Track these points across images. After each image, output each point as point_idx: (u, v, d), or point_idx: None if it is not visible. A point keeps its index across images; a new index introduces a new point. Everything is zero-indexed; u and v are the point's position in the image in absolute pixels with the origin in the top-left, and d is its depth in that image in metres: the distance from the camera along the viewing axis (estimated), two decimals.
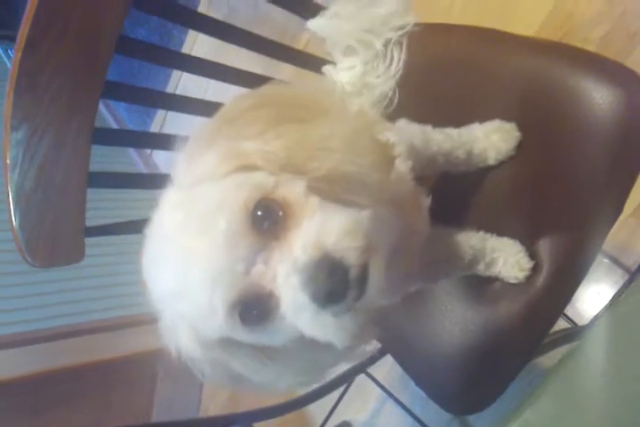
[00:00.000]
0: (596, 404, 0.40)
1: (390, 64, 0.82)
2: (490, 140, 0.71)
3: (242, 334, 0.41)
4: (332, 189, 0.41)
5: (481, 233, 0.73)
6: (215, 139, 0.44)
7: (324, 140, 0.43)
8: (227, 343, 0.42)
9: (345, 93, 0.85)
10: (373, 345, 0.52)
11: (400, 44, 0.82)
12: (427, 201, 0.60)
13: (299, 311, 0.37)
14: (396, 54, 0.82)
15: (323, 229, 0.37)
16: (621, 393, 0.39)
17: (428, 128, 0.71)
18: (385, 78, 0.82)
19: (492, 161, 0.73)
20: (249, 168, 0.41)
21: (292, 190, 0.39)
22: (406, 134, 0.68)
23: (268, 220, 0.38)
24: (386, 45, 0.82)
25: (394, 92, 0.84)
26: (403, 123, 0.72)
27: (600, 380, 0.40)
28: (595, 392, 0.40)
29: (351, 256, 0.36)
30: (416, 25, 0.83)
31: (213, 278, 0.38)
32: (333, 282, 0.36)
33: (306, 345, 0.42)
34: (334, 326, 0.38)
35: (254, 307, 0.39)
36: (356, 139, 0.45)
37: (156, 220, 0.42)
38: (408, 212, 0.55)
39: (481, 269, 0.72)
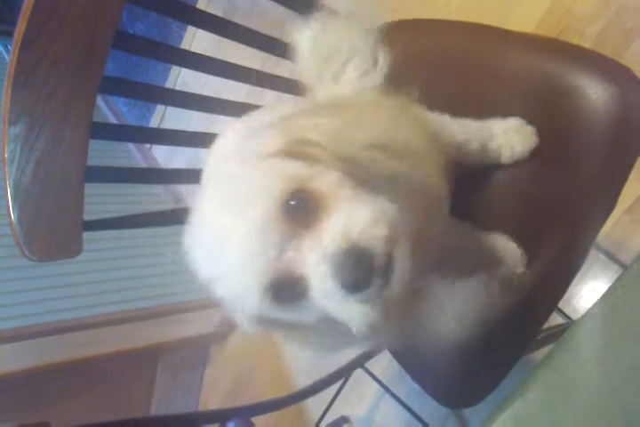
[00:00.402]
0: (582, 394, 0.40)
1: (376, 62, 0.82)
2: (507, 139, 0.71)
3: (277, 313, 0.44)
4: (381, 157, 0.44)
5: (477, 231, 0.73)
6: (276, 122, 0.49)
7: (365, 119, 0.48)
8: (266, 320, 0.46)
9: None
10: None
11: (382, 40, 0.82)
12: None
13: (328, 296, 0.40)
14: (381, 51, 0.82)
15: (350, 219, 0.40)
16: (607, 383, 0.39)
17: (445, 117, 0.71)
18: (375, 75, 0.82)
19: (505, 160, 0.72)
20: (294, 155, 0.44)
21: (326, 181, 0.42)
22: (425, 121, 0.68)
23: (300, 209, 0.41)
24: (371, 44, 0.82)
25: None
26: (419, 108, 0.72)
27: (587, 371, 0.40)
28: (582, 383, 0.41)
29: (377, 246, 0.39)
30: (411, 21, 0.83)
31: (249, 262, 0.41)
32: (360, 270, 0.38)
33: (330, 323, 0.45)
34: (358, 311, 0.40)
35: (286, 288, 0.42)
36: (397, 116, 0.50)
37: (202, 192, 0.46)
38: (431, 205, 0.57)
39: (479, 266, 0.73)
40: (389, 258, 0.39)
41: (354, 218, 0.40)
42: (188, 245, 0.45)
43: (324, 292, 0.40)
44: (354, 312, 0.41)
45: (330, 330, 0.47)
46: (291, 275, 0.41)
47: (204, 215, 0.44)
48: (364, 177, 0.44)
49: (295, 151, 0.44)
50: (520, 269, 0.72)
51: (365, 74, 0.81)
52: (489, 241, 0.73)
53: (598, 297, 0.44)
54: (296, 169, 0.42)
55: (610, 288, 0.43)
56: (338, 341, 0.51)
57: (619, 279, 0.44)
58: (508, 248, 0.72)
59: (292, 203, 0.41)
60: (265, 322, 0.46)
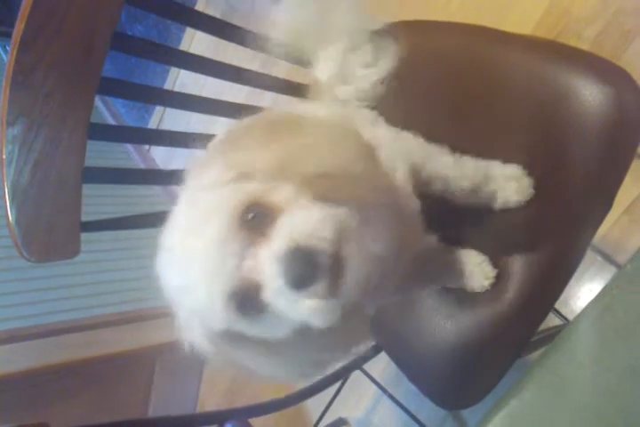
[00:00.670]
0: (577, 394, 0.41)
1: (379, 56, 0.82)
2: (504, 186, 0.70)
3: (244, 326, 0.45)
4: (323, 187, 0.45)
5: (443, 245, 0.74)
6: (219, 155, 0.51)
7: (310, 145, 0.48)
8: (233, 337, 0.46)
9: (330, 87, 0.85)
10: (367, 344, 0.56)
11: (390, 36, 0.82)
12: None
13: (277, 296, 0.42)
14: (385, 46, 0.82)
15: (297, 222, 0.42)
16: (601, 383, 0.40)
17: (441, 150, 0.70)
18: (373, 70, 0.83)
19: (497, 205, 0.72)
20: (246, 177, 0.45)
21: (281, 194, 0.44)
22: (410, 149, 0.67)
23: (257, 220, 0.43)
24: (374, 37, 0.82)
25: (382, 83, 0.83)
26: (412, 140, 0.71)
27: (582, 371, 0.41)
28: (576, 383, 0.41)
29: (321, 244, 0.40)
30: (411, 22, 0.83)
31: (210, 273, 0.42)
32: (303, 266, 0.40)
33: (306, 340, 0.46)
34: (312, 308, 0.41)
35: (249, 298, 0.43)
36: (340, 140, 0.51)
37: (167, 225, 0.47)
38: (407, 222, 0.59)
39: (451, 281, 0.75)
40: (337, 257, 0.41)
41: (301, 220, 0.42)
42: (158, 268, 0.47)
43: (274, 291, 0.41)
44: (306, 310, 0.41)
45: (304, 344, 0.48)
46: (251, 282, 0.42)
47: (169, 239, 0.46)
48: (321, 184, 0.45)
49: (248, 174, 0.46)
50: (485, 282, 0.73)
51: (367, 67, 0.81)
52: (458, 255, 0.74)
53: (593, 297, 0.44)
54: (251, 185, 0.44)
55: (604, 289, 0.43)
56: (313, 358, 0.52)
57: (613, 280, 0.44)
58: (475, 262, 0.73)
59: (250, 215, 0.43)
60: (232, 339, 0.46)
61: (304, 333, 0.44)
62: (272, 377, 0.53)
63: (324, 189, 0.45)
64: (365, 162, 0.50)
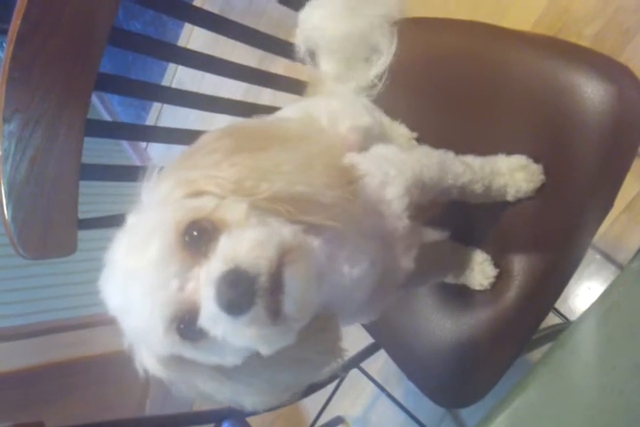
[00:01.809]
0: (582, 393, 0.40)
1: (379, 52, 0.82)
2: (513, 177, 0.69)
3: (189, 352, 0.42)
4: (286, 210, 0.42)
5: (451, 242, 0.74)
6: (175, 169, 0.46)
7: (276, 164, 0.44)
8: (181, 361, 0.43)
9: (329, 79, 0.84)
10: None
11: (391, 31, 0.82)
12: (423, 238, 0.62)
13: (213, 321, 0.39)
14: (385, 41, 0.81)
15: (236, 243, 0.39)
16: (607, 382, 0.39)
17: (449, 157, 0.67)
18: (374, 64, 0.82)
19: (509, 197, 0.71)
20: (198, 194, 0.43)
21: (232, 212, 0.41)
22: (414, 165, 0.62)
23: (202, 239, 0.40)
24: (375, 32, 0.82)
25: (381, 79, 0.83)
26: (423, 149, 0.68)
27: (587, 369, 0.40)
28: (582, 381, 0.41)
29: (259, 267, 0.38)
30: (408, 19, 0.83)
31: (150, 295, 0.40)
32: (237, 291, 0.37)
33: (263, 364, 0.43)
34: (253, 334, 0.39)
35: (191, 323, 0.40)
36: (309, 162, 0.46)
37: (114, 242, 0.44)
38: (392, 246, 0.57)
39: (450, 277, 0.75)
40: (277, 281, 0.38)
41: (241, 241, 0.39)
42: (100, 285, 0.45)
43: (208, 316, 0.38)
44: (248, 336, 0.39)
45: (264, 369, 0.45)
46: (194, 306, 0.39)
47: (114, 256, 0.43)
48: (283, 207, 0.43)
49: (201, 191, 0.43)
50: (485, 281, 0.72)
51: (367, 61, 0.80)
52: (461, 252, 0.74)
53: (598, 295, 0.43)
54: (200, 201, 0.42)
55: (610, 286, 0.42)
56: (276, 383, 0.48)
57: (620, 277, 0.43)
58: (477, 260, 0.73)
59: (194, 233, 0.40)
60: (182, 363, 0.43)
61: (264, 358, 0.42)
62: (234, 403, 0.48)
63: (285, 211, 0.42)
64: (337, 189, 0.46)
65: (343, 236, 0.49)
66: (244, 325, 0.38)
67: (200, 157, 0.46)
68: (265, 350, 0.41)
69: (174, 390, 0.46)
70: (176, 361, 0.43)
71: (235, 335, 0.39)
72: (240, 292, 0.37)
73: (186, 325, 0.40)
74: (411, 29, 0.82)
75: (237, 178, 0.43)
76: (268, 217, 0.41)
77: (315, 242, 0.44)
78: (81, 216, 0.74)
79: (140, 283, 0.40)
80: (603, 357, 0.40)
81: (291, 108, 0.76)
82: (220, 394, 0.47)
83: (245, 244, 0.38)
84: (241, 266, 0.37)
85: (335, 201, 0.45)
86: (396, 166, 0.58)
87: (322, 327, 0.47)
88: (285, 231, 0.40)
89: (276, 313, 0.38)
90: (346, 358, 0.50)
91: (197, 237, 0.40)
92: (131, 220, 0.45)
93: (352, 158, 0.55)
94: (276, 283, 0.38)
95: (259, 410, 0.50)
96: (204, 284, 0.38)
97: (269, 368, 0.45)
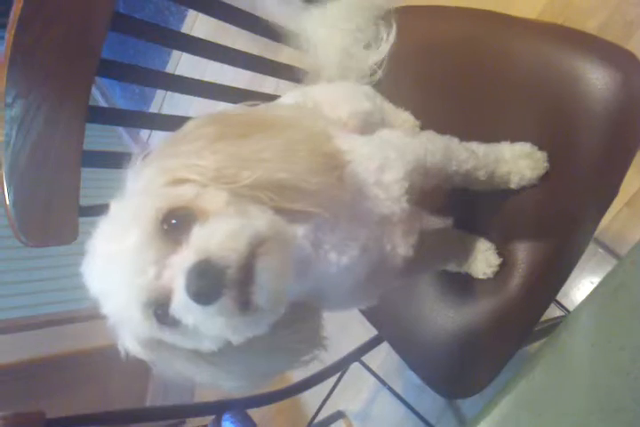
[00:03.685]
0: (588, 373, 0.40)
1: (379, 39, 0.82)
2: (517, 164, 0.68)
3: (167, 336, 0.43)
4: (268, 198, 0.43)
5: (454, 230, 0.73)
6: (159, 156, 0.47)
7: (257, 151, 0.45)
8: (161, 344, 0.44)
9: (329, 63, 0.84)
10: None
11: (389, 20, 0.82)
12: (423, 224, 0.61)
13: (184, 310, 0.39)
14: (384, 29, 0.81)
15: (209, 233, 0.39)
16: (614, 362, 0.39)
17: (454, 143, 0.66)
18: (374, 51, 0.82)
19: (513, 185, 0.70)
20: (180, 183, 0.43)
21: (212, 200, 0.41)
22: (417, 149, 0.62)
23: (180, 227, 0.41)
24: (374, 20, 0.82)
25: (381, 66, 0.83)
26: (428, 134, 0.67)
27: (593, 349, 0.40)
28: (588, 362, 0.40)
29: (229, 259, 0.38)
30: (413, 6, 0.83)
31: (128, 281, 0.41)
32: (206, 280, 0.38)
33: (241, 350, 0.44)
34: (222, 323, 0.39)
35: (168, 309, 0.41)
36: (292, 148, 0.46)
37: (95, 230, 0.45)
38: (390, 232, 0.57)
39: (452, 265, 0.74)
40: (249, 271, 0.38)
41: (214, 230, 0.39)
42: (83, 270, 0.45)
43: (179, 304, 0.39)
44: (217, 326, 0.40)
45: (239, 357, 0.46)
46: (169, 293, 0.40)
47: (95, 243, 0.44)
48: (265, 195, 0.43)
49: (183, 179, 0.43)
50: (489, 270, 0.72)
51: (368, 48, 0.80)
52: (466, 240, 0.74)
53: (606, 274, 0.43)
54: (180, 189, 0.42)
55: (618, 265, 0.42)
56: (254, 369, 0.49)
57: (628, 255, 0.42)
58: (481, 249, 0.73)
59: (173, 221, 0.41)
60: (162, 346, 0.44)
61: (238, 344, 0.42)
62: (213, 386, 0.50)
63: (267, 198, 0.43)
64: (322, 175, 0.46)
65: (332, 222, 0.49)
66: (212, 314, 0.39)
67: (183, 144, 0.46)
68: (234, 339, 0.41)
69: (156, 370, 0.48)
70: (156, 344, 0.44)
71: (204, 324, 0.40)
72: (208, 283, 0.38)
73: (163, 310, 0.41)
74: (412, 16, 0.82)
75: (218, 166, 0.43)
76: (249, 205, 0.42)
77: (299, 230, 0.45)
78: (82, 203, 0.74)
79: (118, 269, 0.41)
80: (610, 337, 0.39)
81: (290, 96, 0.75)
82: (199, 377, 0.48)
83: (218, 235, 0.39)
84: (211, 258, 0.38)
85: (320, 187, 0.45)
86: (397, 150, 0.58)
87: (302, 317, 0.48)
88: (261, 222, 0.41)
89: (245, 304, 0.39)
90: (327, 346, 0.51)
91: (176, 225, 0.41)
92: (113, 206, 0.45)
93: (350, 142, 0.55)
94: (247, 274, 0.39)
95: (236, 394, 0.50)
96: (177, 273, 0.39)
97: (246, 355, 0.46)
